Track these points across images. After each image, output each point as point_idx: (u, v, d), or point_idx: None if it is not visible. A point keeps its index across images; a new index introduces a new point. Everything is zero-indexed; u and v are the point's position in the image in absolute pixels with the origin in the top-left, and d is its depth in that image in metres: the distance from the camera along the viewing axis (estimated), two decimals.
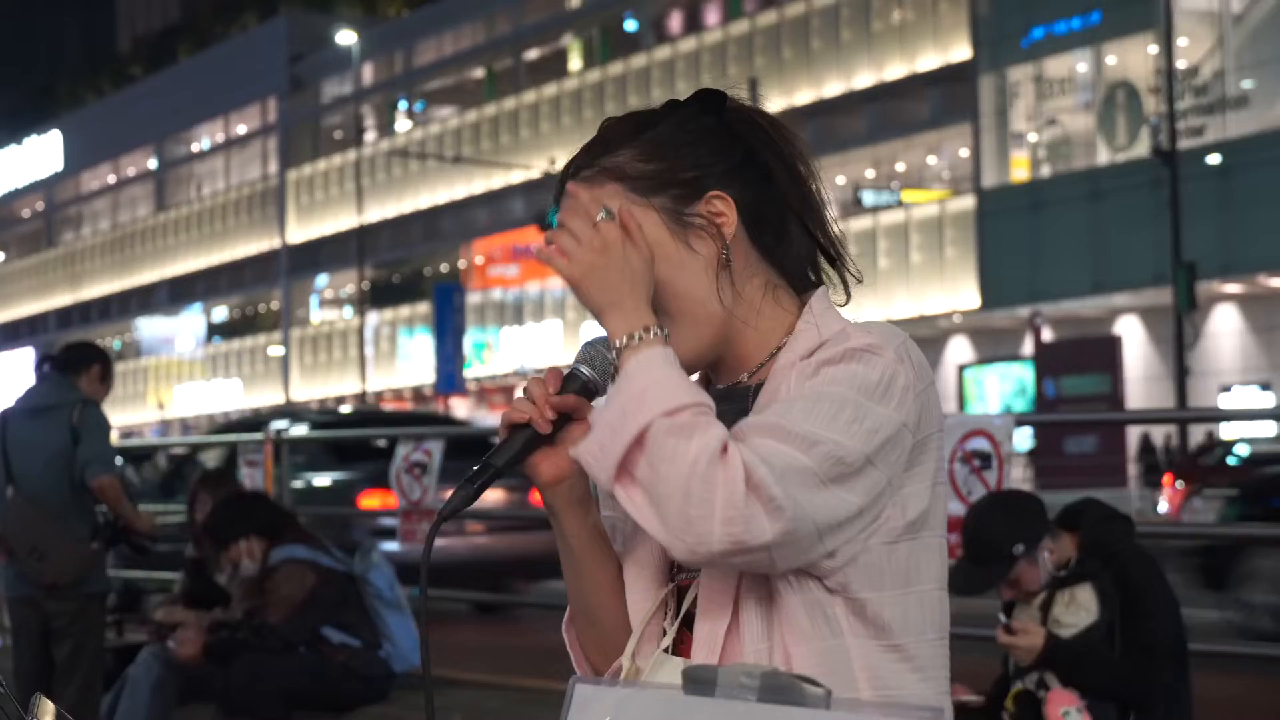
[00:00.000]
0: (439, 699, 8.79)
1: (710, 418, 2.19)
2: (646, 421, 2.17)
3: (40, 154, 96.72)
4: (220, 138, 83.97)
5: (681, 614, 2.38)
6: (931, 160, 50.67)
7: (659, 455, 2.16)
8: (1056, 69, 44.12)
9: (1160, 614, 5.86)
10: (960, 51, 46.48)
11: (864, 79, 49.55)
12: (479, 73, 67.73)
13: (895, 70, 48.62)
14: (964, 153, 47.55)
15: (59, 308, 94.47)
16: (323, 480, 15.36)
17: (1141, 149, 39.81)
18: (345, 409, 47.15)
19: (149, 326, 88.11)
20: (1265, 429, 33.66)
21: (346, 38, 64.34)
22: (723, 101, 2.48)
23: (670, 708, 2.00)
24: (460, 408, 59.70)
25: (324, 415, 21.49)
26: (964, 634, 8.71)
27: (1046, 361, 40.20)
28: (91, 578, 8.49)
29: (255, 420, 19.62)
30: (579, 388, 2.39)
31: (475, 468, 2.36)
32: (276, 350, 76.15)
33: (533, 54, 64.80)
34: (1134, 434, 37.78)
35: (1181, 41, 38.97)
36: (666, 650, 2.38)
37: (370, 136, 72.53)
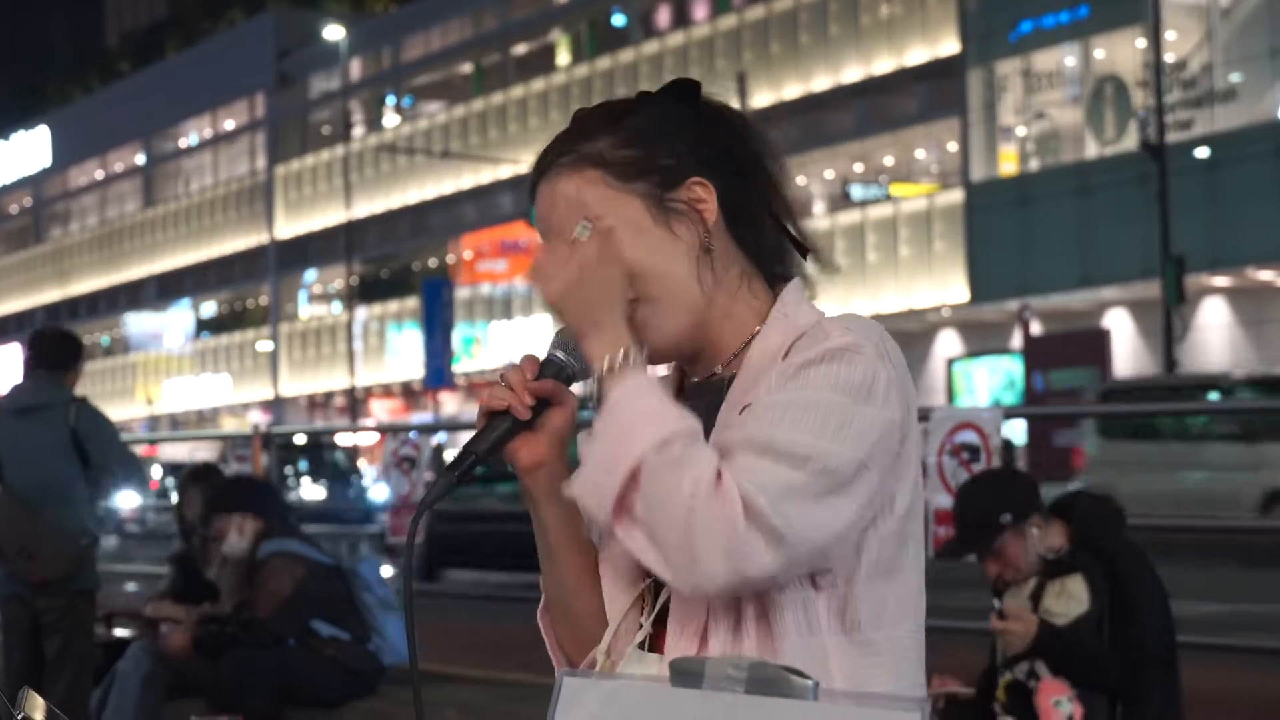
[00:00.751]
0: (429, 694, 8.79)
1: (700, 446, 2.19)
2: (637, 458, 2.17)
3: (28, 150, 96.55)
4: (208, 133, 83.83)
5: (657, 609, 2.37)
6: (920, 154, 50.67)
7: (654, 494, 2.16)
8: (1044, 63, 44.12)
9: (1149, 607, 5.87)
10: (948, 46, 46.48)
11: (852, 73, 49.54)
12: (467, 68, 67.67)
13: (883, 65, 48.61)
14: (952, 147, 47.54)
15: (47, 304, 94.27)
16: None
17: (1130, 143, 39.80)
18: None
19: (137, 322, 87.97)
20: None
21: (334, 33, 64.27)
22: (697, 91, 2.49)
23: (658, 700, 2.00)
24: (449, 403, 59.72)
25: None
26: (953, 627, 8.73)
27: (1035, 355, 40.20)
28: (81, 574, 8.49)
29: None
30: (556, 373, 2.40)
31: (455, 456, 2.37)
32: (265, 345, 76.06)
33: (520, 49, 64.74)
34: None
35: (1169, 35, 38.97)
36: (642, 646, 2.38)
37: (358, 132, 72.45)
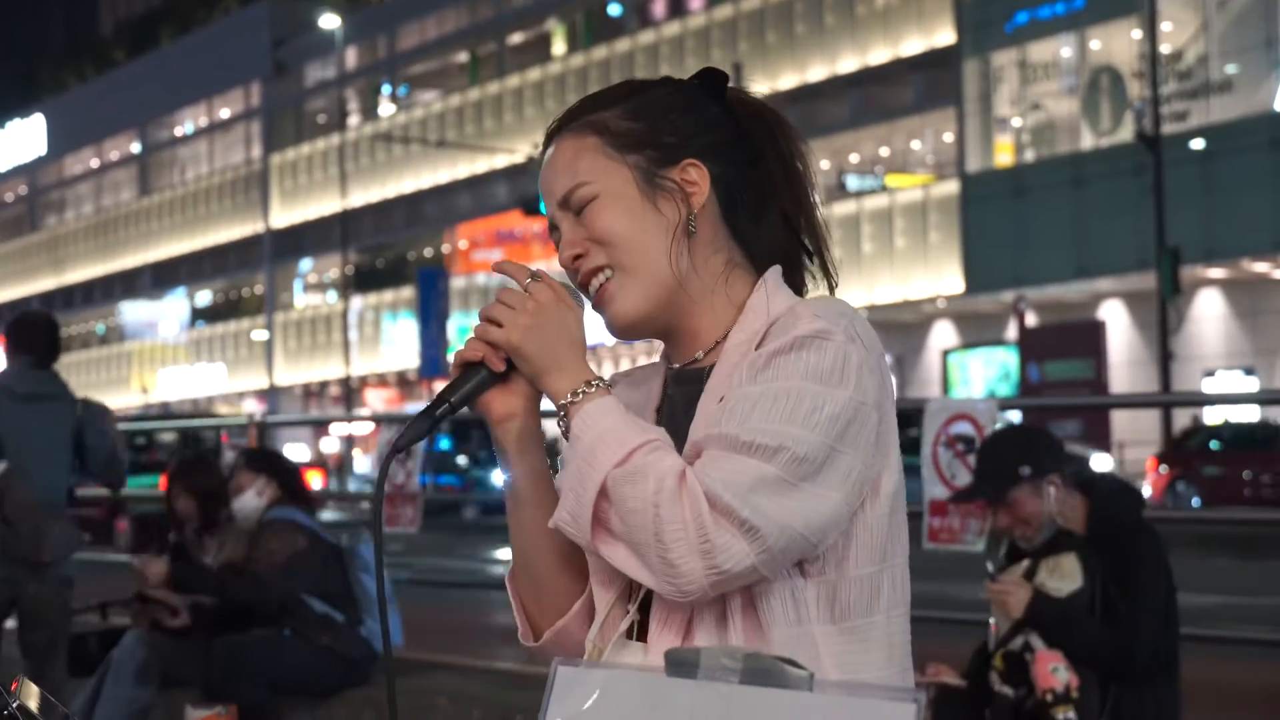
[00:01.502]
0: (421, 682, 8.80)
1: (661, 451, 2.20)
2: (601, 478, 2.19)
3: (23, 138, 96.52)
4: (203, 122, 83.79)
5: (642, 595, 2.37)
6: (915, 145, 50.67)
7: (623, 507, 2.18)
8: (1040, 54, 44.12)
9: (1155, 590, 5.87)
10: (944, 36, 46.47)
11: (848, 63, 49.54)
12: (463, 57, 67.62)
13: (879, 55, 48.62)
14: (948, 137, 47.55)
15: (42, 292, 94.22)
16: None
17: (1125, 134, 39.82)
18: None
19: (132, 311, 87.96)
20: (1248, 413, 33.75)
21: (330, 22, 64.21)
22: (723, 82, 2.51)
23: (652, 690, 2.00)
24: None
25: None
26: (944, 617, 8.73)
27: (1030, 346, 40.27)
28: (69, 561, 8.49)
29: None
30: None
31: (429, 403, 2.39)
32: (260, 335, 76.05)
33: (516, 38, 64.71)
34: (1119, 418, 37.82)
35: (1165, 26, 38.98)
36: (630, 633, 2.38)
37: (354, 121, 72.41)
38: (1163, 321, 34.75)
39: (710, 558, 2.14)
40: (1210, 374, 40.41)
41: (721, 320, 2.44)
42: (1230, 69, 40.11)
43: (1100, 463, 30.54)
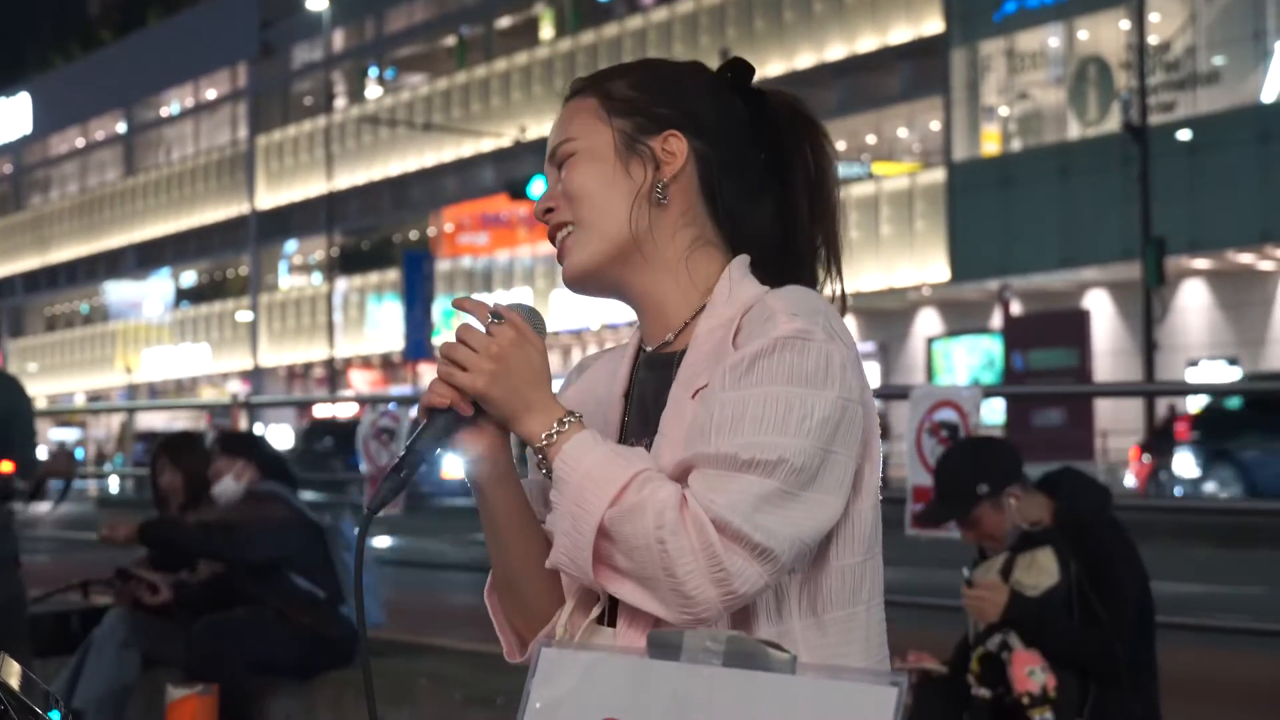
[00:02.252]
0: (403, 664, 8.80)
1: (654, 483, 2.19)
2: (597, 520, 2.19)
3: (8, 116, 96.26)
4: (190, 102, 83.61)
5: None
6: (902, 133, 50.67)
7: (626, 544, 2.18)
8: (1028, 43, 44.12)
9: (1127, 584, 5.88)
10: (932, 24, 46.45)
11: (836, 51, 49.51)
12: (450, 40, 67.52)
13: (867, 43, 48.59)
14: (935, 126, 47.55)
15: (26, 271, 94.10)
16: None
17: (1112, 124, 39.82)
18: None
19: (117, 291, 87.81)
20: (1231, 404, 33.79)
21: (317, 4, 64.02)
22: (749, 74, 2.54)
23: (636, 672, 2.00)
24: (429, 375, 59.58)
25: None
26: (926, 604, 8.74)
27: (1015, 335, 40.23)
28: (9, 536, 8.29)
29: None
30: None
31: (399, 457, 2.38)
32: (245, 316, 75.94)
33: (504, 22, 64.60)
34: (1102, 407, 37.86)
35: (1153, 17, 38.99)
36: (600, 620, 2.39)
37: (340, 103, 72.29)
38: (1147, 311, 34.79)
39: (725, 584, 2.15)
40: (1194, 364, 40.47)
41: (687, 299, 2.46)
42: (1218, 60, 40.14)
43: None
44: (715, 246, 2.48)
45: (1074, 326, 39.15)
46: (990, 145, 45.18)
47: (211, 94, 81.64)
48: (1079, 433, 36.41)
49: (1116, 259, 39.39)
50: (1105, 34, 42.15)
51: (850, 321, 2.48)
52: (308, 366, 71.85)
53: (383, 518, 11.11)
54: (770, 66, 50.11)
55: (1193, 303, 41.33)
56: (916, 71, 47.43)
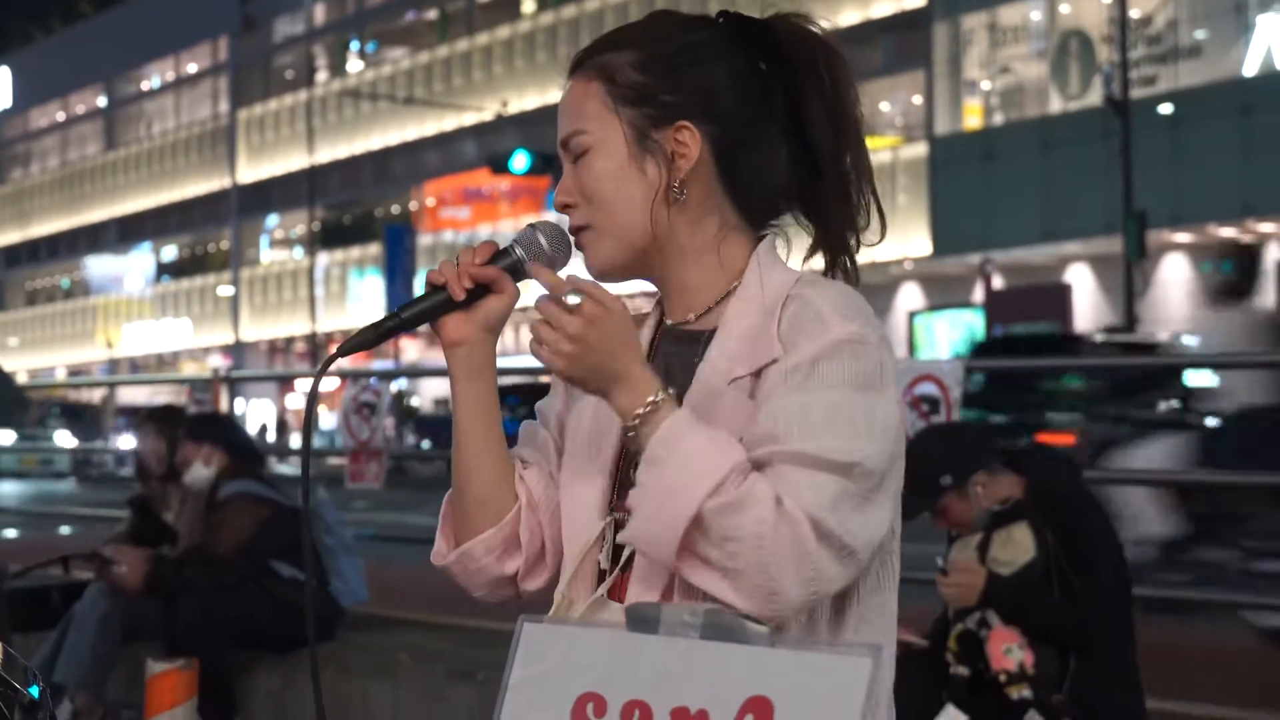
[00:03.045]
0: (385, 638, 8.81)
1: (753, 478, 2.18)
2: (694, 509, 2.16)
3: None
4: (171, 76, 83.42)
5: (624, 559, 2.39)
6: (885, 107, 50.64)
7: (721, 535, 2.16)
8: (1010, 17, 44.11)
9: (1103, 557, 5.89)
10: None
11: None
12: (432, 14, 67.36)
13: (850, 16, 48.55)
14: (917, 100, 47.55)
15: (6, 245, 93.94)
16: None
17: (1094, 98, 39.84)
18: None
19: (98, 265, 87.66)
20: (1211, 377, 33.83)
21: None
22: (753, 30, 2.48)
23: (615, 646, 2.01)
24: (411, 349, 59.61)
25: None
26: (907, 577, 8.76)
27: (997, 309, 40.33)
28: None
29: None
30: (507, 265, 2.45)
31: (385, 315, 2.45)
32: (226, 290, 75.85)
33: None
34: None
35: None
36: (599, 581, 2.41)
37: (322, 77, 72.14)
38: (1128, 285, 34.83)
39: (813, 584, 2.16)
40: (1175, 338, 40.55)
41: (713, 283, 2.44)
42: (1199, 34, 40.15)
43: None
44: (739, 230, 2.46)
45: (1055, 300, 39.25)
46: (972, 119, 45.19)
47: (192, 68, 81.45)
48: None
49: (1098, 233, 39.42)
50: (1087, 8, 42.14)
51: None
52: (289, 341, 71.77)
53: (364, 493, 11.09)
54: None
55: (1174, 276, 41.38)
56: (898, 45, 47.41)
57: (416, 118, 63.87)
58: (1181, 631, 9.33)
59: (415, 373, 54.99)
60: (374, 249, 62.94)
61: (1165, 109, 38.98)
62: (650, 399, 2.27)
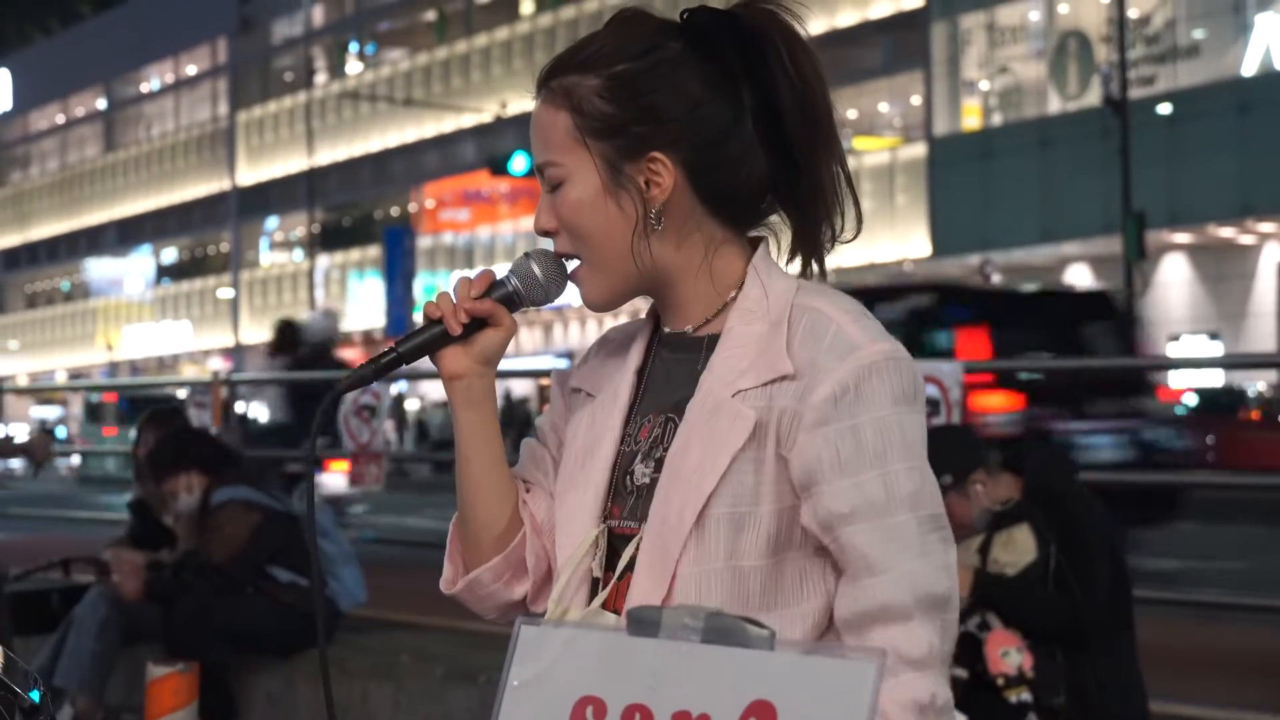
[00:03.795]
0: (384, 641, 8.81)
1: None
2: None
3: None
4: (170, 78, 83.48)
5: (620, 568, 2.38)
6: (883, 107, 50.68)
7: None
8: (1009, 17, 44.13)
9: (1098, 553, 5.89)
10: None
11: (816, 25, 49.20)
12: (430, 15, 67.41)
13: (848, 17, 48.59)
14: (916, 100, 47.57)
15: (6, 248, 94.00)
16: None
17: (1092, 98, 39.87)
18: None
19: (97, 268, 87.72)
20: (1213, 378, 33.88)
21: None
22: (717, 32, 2.41)
23: (614, 648, 2.01)
24: None
25: None
26: None
27: None
28: None
29: None
30: (502, 296, 2.44)
31: (383, 350, 2.44)
32: (226, 292, 75.90)
33: None
34: None
35: None
36: (593, 591, 2.41)
37: (321, 78, 72.19)
38: (1128, 285, 34.84)
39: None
40: (1175, 338, 40.55)
41: (712, 293, 2.42)
42: (1198, 34, 40.18)
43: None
44: (727, 241, 2.43)
45: None
46: (971, 119, 45.21)
47: (192, 70, 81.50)
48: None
49: (1097, 233, 39.45)
50: (1085, 8, 42.17)
51: None
52: None
53: (363, 495, 11.08)
54: None
55: (1173, 277, 41.42)
56: (897, 45, 47.44)
57: (415, 119, 63.92)
58: (1183, 630, 9.34)
59: (415, 375, 55.02)
60: (373, 251, 62.97)
61: (1164, 109, 39.01)
62: None
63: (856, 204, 2.48)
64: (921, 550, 2.24)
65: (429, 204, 65.57)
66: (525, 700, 2.06)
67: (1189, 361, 27.46)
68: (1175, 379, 33.04)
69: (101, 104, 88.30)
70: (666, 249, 2.39)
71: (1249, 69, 38.79)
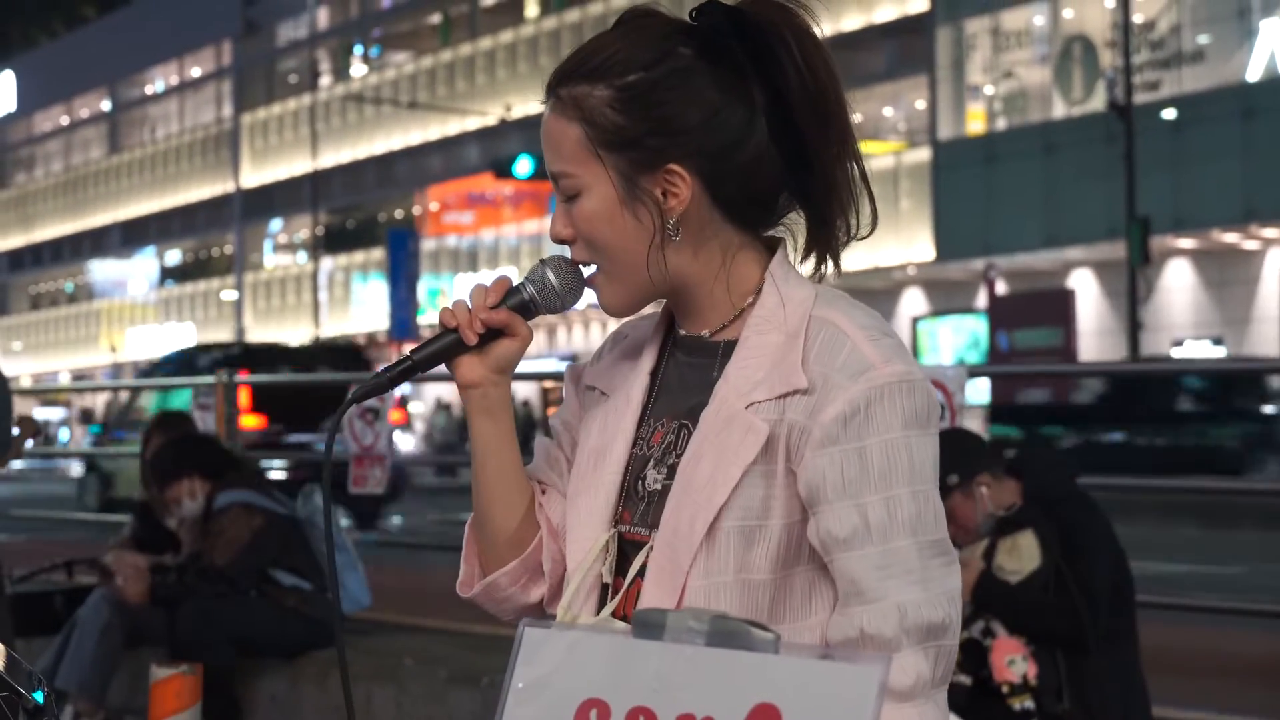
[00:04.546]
0: (388, 643, 8.81)
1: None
2: None
3: None
4: (174, 80, 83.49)
5: (630, 577, 2.38)
6: (888, 112, 50.65)
7: None
8: (1013, 22, 44.11)
9: (1098, 556, 5.88)
10: (917, 3, 46.43)
11: (821, 29, 49.41)
12: (435, 18, 67.41)
13: (852, 21, 48.56)
14: (920, 105, 47.54)
15: (10, 249, 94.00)
16: None
17: (1097, 103, 39.85)
18: None
19: (101, 269, 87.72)
20: None
21: None
22: (728, 30, 2.36)
23: (619, 651, 2.00)
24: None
25: None
26: None
27: (1000, 314, 40.28)
28: None
29: None
30: (517, 304, 2.43)
31: (396, 359, 2.44)
32: (230, 294, 75.90)
33: (489, 0, 64.51)
34: (1087, 387, 37.93)
35: None
36: (603, 597, 2.41)
37: (325, 81, 72.18)
38: (1132, 290, 34.84)
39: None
40: (1179, 343, 40.51)
41: (724, 301, 2.41)
42: (1202, 39, 40.15)
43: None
44: (744, 246, 2.41)
45: (1059, 306, 39.20)
46: (975, 124, 45.18)
47: (196, 72, 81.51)
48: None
49: (1101, 238, 39.42)
50: (1090, 12, 42.15)
51: None
52: None
53: (365, 498, 11.04)
54: None
55: (1177, 282, 41.38)
56: (901, 50, 47.41)
57: (420, 122, 63.91)
58: (1184, 638, 9.33)
59: (424, 379, 54.96)
60: (377, 253, 62.96)
61: (1168, 114, 38.99)
62: None
63: (872, 201, 2.46)
64: (922, 577, 2.21)
65: (433, 207, 65.56)
66: (529, 703, 2.06)
67: (1192, 367, 27.39)
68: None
69: (106, 106, 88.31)
70: (684, 257, 2.38)
71: (1254, 74, 38.76)
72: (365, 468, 10.59)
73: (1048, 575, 5.85)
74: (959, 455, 5.98)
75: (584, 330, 57.52)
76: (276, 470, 17.40)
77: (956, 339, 43.48)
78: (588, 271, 2.43)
